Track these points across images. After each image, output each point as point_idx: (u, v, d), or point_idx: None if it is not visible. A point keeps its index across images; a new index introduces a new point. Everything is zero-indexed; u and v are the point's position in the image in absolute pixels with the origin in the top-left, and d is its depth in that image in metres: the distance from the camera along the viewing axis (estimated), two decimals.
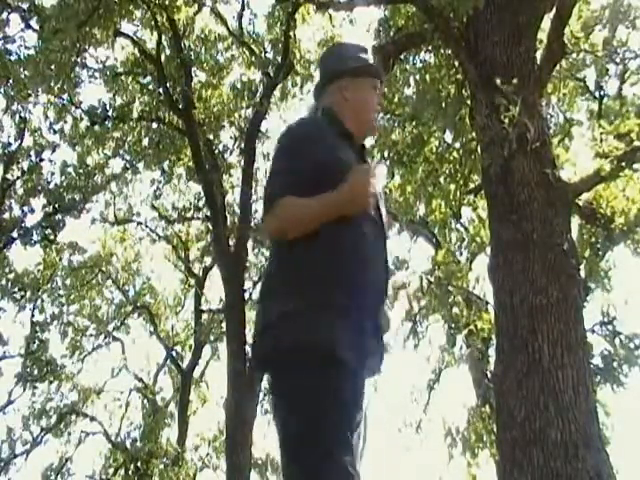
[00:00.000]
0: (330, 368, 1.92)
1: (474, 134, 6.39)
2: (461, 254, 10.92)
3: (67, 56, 9.47)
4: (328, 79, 2.34)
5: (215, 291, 15.10)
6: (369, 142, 7.32)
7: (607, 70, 10.28)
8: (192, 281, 15.96)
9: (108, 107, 12.52)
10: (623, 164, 5.66)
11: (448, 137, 8.87)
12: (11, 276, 14.64)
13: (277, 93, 12.74)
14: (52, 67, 9.55)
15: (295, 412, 1.93)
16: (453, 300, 9.16)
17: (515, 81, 5.46)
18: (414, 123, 8.68)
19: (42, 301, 15.67)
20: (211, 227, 12.69)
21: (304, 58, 12.49)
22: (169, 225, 15.55)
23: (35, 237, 13.74)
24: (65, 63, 9.55)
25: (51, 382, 15.60)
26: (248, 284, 12.78)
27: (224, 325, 12.89)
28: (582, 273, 7.74)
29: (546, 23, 6.21)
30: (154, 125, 12.94)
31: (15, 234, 13.52)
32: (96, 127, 12.70)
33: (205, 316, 15.48)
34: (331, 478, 1.86)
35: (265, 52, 12.64)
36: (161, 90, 12.04)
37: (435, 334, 10.50)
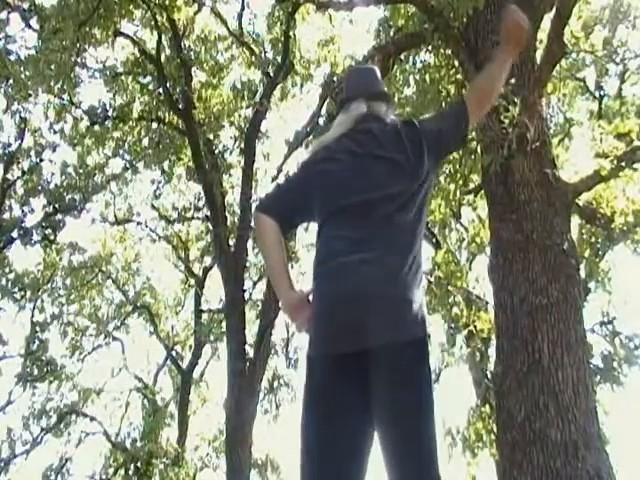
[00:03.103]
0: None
1: (474, 134, 6.39)
2: (461, 254, 10.92)
3: (67, 56, 9.46)
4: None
5: (215, 291, 15.13)
6: None
7: (607, 70, 10.29)
8: (192, 281, 15.95)
9: (108, 107, 12.51)
10: (623, 164, 5.66)
11: None
12: (11, 276, 14.63)
13: (277, 93, 12.75)
14: (52, 67, 9.54)
15: None
16: (453, 300, 9.16)
17: (514, 81, 5.46)
18: None
19: (42, 301, 15.66)
20: (211, 227, 12.69)
21: (304, 58, 12.50)
22: (169, 225, 15.55)
23: (35, 237, 13.74)
24: (65, 63, 9.54)
25: (51, 382, 15.58)
26: (248, 284, 12.80)
27: (224, 325, 12.88)
28: (582, 273, 7.74)
29: (546, 23, 6.21)
30: (154, 125, 12.94)
31: (15, 234, 13.52)
32: (96, 127, 12.70)
33: (205, 316, 15.47)
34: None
35: (265, 52, 12.65)
36: (161, 90, 12.04)
37: (435, 334, 10.51)
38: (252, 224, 11.69)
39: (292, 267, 11.38)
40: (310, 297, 2.24)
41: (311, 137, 10.36)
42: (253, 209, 2.55)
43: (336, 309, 2.12)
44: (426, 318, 2.15)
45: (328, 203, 2.29)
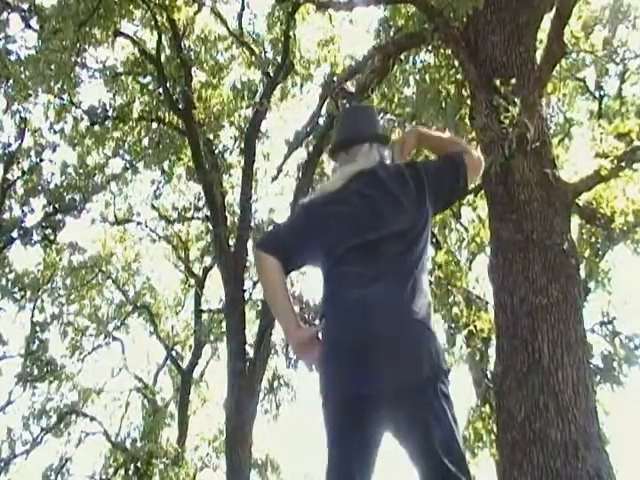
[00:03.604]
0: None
1: (474, 134, 6.39)
2: (461, 254, 10.92)
3: (67, 56, 9.47)
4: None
5: (215, 291, 15.12)
6: None
7: (607, 70, 10.29)
8: (192, 281, 15.95)
9: (108, 107, 12.52)
10: (623, 164, 5.66)
11: None
12: (11, 276, 14.63)
13: (277, 93, 12.75)
14: (52, 67, 9.55)
15: None
16: (453, 300, 9.16)
17: (514, 81, 5.46)
18: (414, 123, 8.68)
19: (42, 301, 15.66)
20: (211, 227, 12.69)
21: (304, 58, 12.50)
22: (169, 225, 15.55)
23: (35, 237, 13.74)
24: (65, 63, 9.55)
25: (51, 382, 15.58)
26: (248, 284, 12.78)
27: (224, 325, 12.89)
28: (582, 273, 7.74)
29: (546, 23, 6.21)
30: (154, 125, 12.94)
31: (15, 234, 13.52)
32: (96, 127, 12.71)
33: (205, 316, 15.47)
34: None
35: (265, 52, 12.65)
36: (161, 90, 12.04)
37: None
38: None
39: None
40: (319, 335, 2.22)
41: (311, 137, 10.36)
42: (254, 247, 2.51)
43: (346, 351, 2.10)
44: (441, 353, 2.14)
45: (337, 244, 2.26)
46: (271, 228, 2.47)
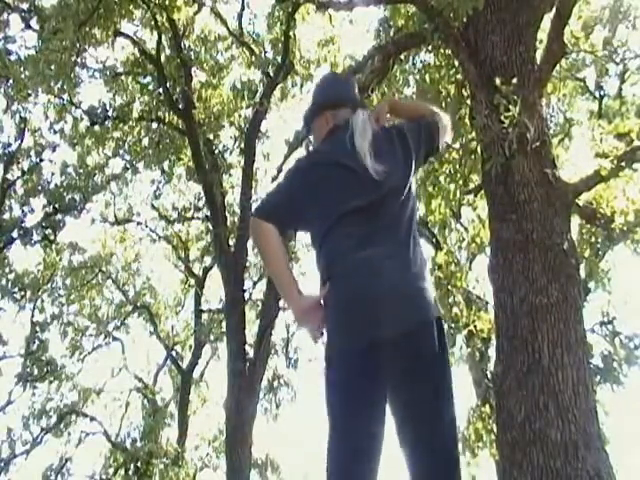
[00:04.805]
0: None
1: (474, 134, 6.38)
2: (461, 254, 10.92)
3: (67, 56, 9.46)
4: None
5: (215, 291, 15.13)
6: None
7: (607, 70, 10.30)
8: (192, 281, 15.96)
9: (108, 107, 12.52)
10: (623, 164, 5.66)
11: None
12: (11, 276, 14.63)
13: (277, 93, 12.76)
14: (52, 67, 9.54)
15: None
16: (453, 300, 9.15)
17: (515, 81, 5.46)
18: None
19: (42, 301, 15.67)
20: (211, 227, 12.69)
21: (304, 58, 12.51)
22: (169, 225, 15.56)
23: (35, 237, 13.76)
24: (65, 63, 9.54)
25: (51, 382, 15.59)
26: (248, 284, 12.80)
27: (224, 325, 12.89)
28: (582, 273, 7.74)
29: (546, 23, 6.21)
30: (154, 125, 12.95)
31: (15, 234, 13.53)
32: (96, 127, 12.71)
33: (205, 316, 15.48)
34: None
35: (265, 52, 12.65)
36: (161, 90, 12.04)
37: None
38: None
39: (292, 267, 11.36)
40: (321, 300, 2.25)
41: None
42: (251, 213, 2.50)
43: (358, 304, 2.16)
44: (437, 300, 2.28)
45: (336, 206, 2.30)
46: (266, 193, 2.47)
